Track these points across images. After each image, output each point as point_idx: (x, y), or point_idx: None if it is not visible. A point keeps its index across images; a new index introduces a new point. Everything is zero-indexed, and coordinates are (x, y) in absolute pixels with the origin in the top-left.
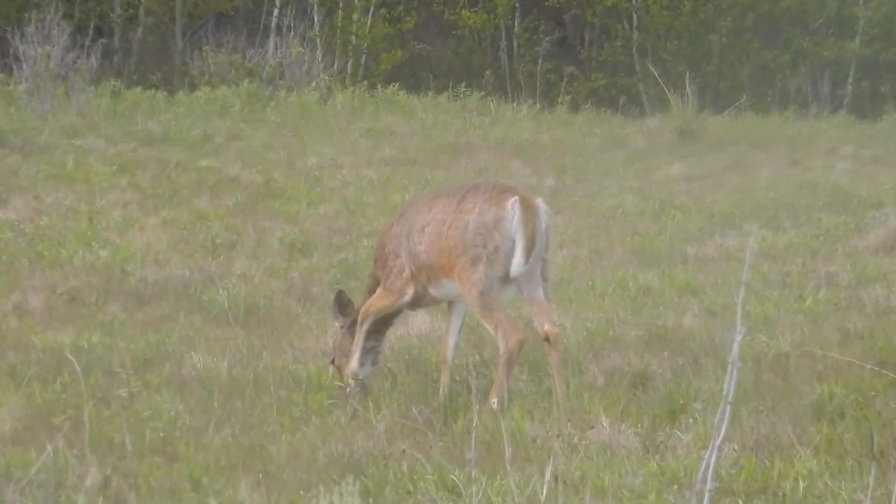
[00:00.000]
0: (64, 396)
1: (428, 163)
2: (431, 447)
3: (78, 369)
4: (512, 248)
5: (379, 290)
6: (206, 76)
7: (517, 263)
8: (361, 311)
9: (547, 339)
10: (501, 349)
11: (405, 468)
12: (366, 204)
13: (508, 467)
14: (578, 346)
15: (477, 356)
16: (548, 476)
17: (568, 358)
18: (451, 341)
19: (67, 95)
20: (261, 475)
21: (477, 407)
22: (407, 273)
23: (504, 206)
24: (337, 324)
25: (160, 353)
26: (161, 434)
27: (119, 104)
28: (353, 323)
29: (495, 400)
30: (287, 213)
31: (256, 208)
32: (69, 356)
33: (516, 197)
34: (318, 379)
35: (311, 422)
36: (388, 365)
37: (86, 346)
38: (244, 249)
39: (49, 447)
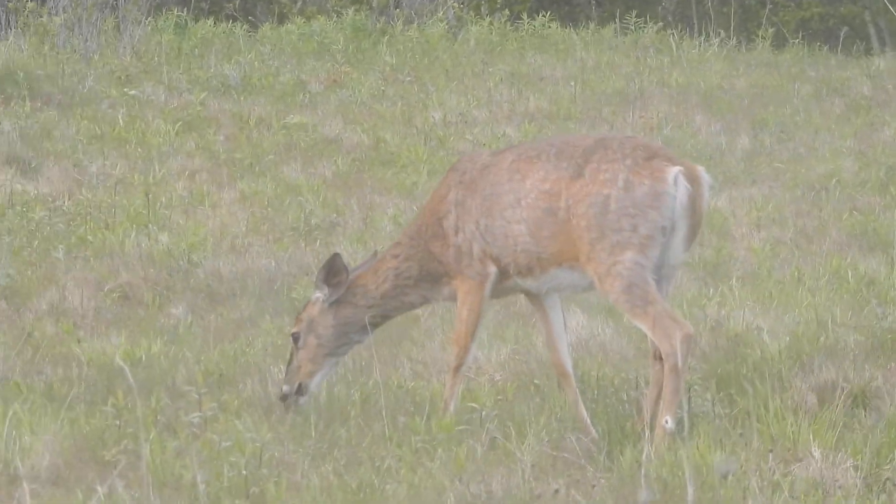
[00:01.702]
0: (117, 423)
1: (587, 117)
2: (593, 486)
3: (134, 388)
4: (672, 233)
5: (461, 297)
6: (299, 4)
7: (678, 252)
8: (456, 341)
9: None
10: (664, 352)
11: None
12: None
13: None
14: (781, 355)
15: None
16: None
17: (766, 370)
18: (562, 345)
19: (118, 30)
20: None
21: (648, 434)
22: (478, 250)
23: (663, 178)
24: (318, 294)
25: (240, 367)
26: (243, 471)
27: (185, 42)
28: (344, 299)
29: (668, 417)
30: (402, 184)
31: (363, 178)
32: (123, 370)
33: (680, 167)
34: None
35: (437, 455)
36: (535, 381)
37: (143, 357)
38: (347, 232)
39: (100, 489)
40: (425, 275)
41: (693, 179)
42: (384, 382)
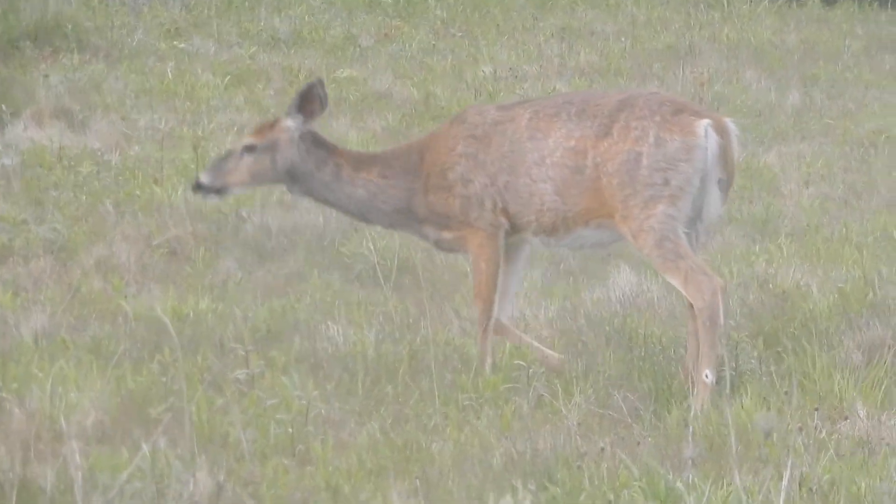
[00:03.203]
0: (163, 380)
1: (636, 72)
2: (638, 444)
3: (178, 344)
4: (703, 185)
5: (474, 250)
6: None
7: (715, 206)
8: (477, 296)
9: None
10: (697, 306)
11: (605, 471)
12: None
13: (736, 469)
14: (828, 312)
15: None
16: (786, 480)
17: (813, 327)
18: (509, 300)
19: None
20: (418, 481)
21: (694, 391)
22: (490, 203)
23: (693, 132)
24: (289, 122)
25: (287, 324)
26: (289, 429)
27: None
28: (312, 153)
29: (707, 372)
30: None
31: (412, 133)
32: (169, 327)
33: (708, 120)
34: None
35: (483, 412)
36: (583, 339)
37: (191, 314)
38: None
39: (145, 446)
40: (405, 210)
41: (722, 131)
42: (432, 339)
